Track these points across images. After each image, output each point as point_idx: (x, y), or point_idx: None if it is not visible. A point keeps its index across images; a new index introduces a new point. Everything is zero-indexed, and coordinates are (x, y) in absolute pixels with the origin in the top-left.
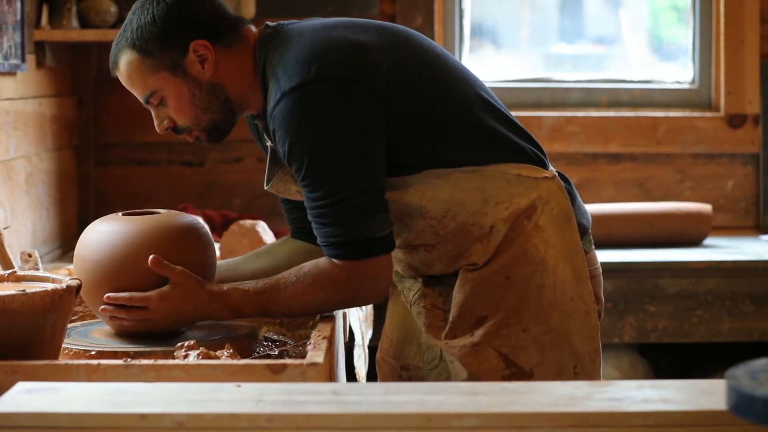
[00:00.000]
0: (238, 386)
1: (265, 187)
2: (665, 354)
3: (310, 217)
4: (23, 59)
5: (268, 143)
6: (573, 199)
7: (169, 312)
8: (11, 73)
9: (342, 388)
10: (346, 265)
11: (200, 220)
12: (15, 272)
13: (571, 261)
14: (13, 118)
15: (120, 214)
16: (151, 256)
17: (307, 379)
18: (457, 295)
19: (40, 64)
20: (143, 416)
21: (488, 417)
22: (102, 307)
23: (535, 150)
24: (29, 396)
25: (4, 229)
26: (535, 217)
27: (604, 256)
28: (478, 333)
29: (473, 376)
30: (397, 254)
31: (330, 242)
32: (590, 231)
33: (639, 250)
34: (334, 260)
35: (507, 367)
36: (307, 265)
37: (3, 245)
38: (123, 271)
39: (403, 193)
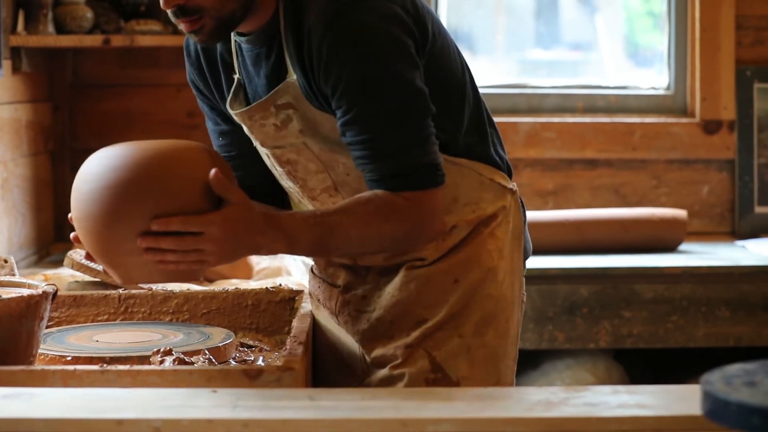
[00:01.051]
0: (214, 392)
1: (231, 112)
2: (640, 359)
3: (361, 152)
4: None
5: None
6: (524, 222)
7: (226, 239)
8: None
9: (318, 393)
10: (410, 196)
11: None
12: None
13: (512, 280)
14: None
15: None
16: (213, 170)
17: (283, 384)
18: (398, 294)
19: (15, 69)
20: (120, 422)
21: (464, 422)
22: (144, 237)
23: (507, 159)
24: (4, 402)
25: None
26: (494, 225)
27: (579, 261)
28: (414, 335)
29: (396, 378)
30: None
31: (390, 173)
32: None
33: (614, 255)
34: (396, 192)
35: (433, 371)
36: (366, 195)
37: None
38: (144, 197)
39: None
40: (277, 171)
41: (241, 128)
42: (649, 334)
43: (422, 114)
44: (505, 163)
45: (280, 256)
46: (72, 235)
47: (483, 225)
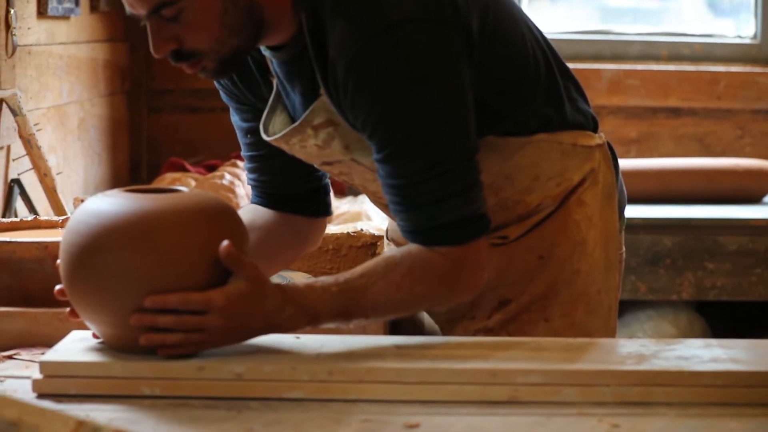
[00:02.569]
0: (298, 338)
1: (266, 137)
2: (722, 312)
3: (395, 198)
4: (77, 3)
5: (275, 81)
6: (616, 173)
7: (235, 319)
8: (65, 17)
9: (404, 341)
10: (447, 252)
11: (231, 206)
12: (68, 218)
13: (606, 246)
14: (66, 62)
15: (121, 190)
16: (224, 243)
17: (368, 331)
18: None
19: (93, 8)
20: (201, 367)
21: (554, 374)
22: (138, 315)
23: (591, 111)
24: (83, 345)
25: (57, 174)
26: (581, 190)
27: (662, 211)
28: (496, 317)
29: None
30: None
31: (428, 226)
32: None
33: (698, 206)
34: (432, 248)
35: None
36: (397, 255)
37: (55, 191)
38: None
39: None
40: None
41: None
42: (732, 287)
43: (464, 157)
44: (589, 117)
45: (360, 200)
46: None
47: (570, 192)
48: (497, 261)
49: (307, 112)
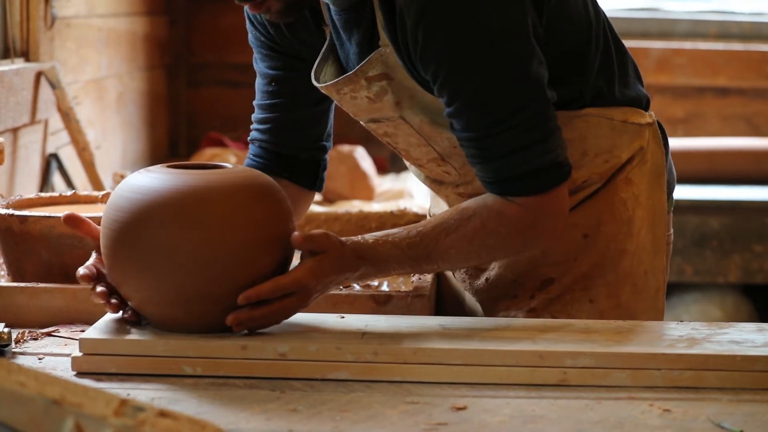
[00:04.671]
0: (342, 317)
1: (317, 84)
2: None
3: (470, 150)
4: None
5: (327, 30)
6: (666, 153)
7: (318, 290)
8: None
9: (450, 321)
10: (525, 202)
11: (275, 182)
12: (108, 194)
13: (653, 226)
14: (105, 35)
15: (164, 166)
16: (295, 234)
17: (413, 311)
18: None
19: None
20: (244, 346)
21: (603, 356)
22: (234, 315)
23: (643, 90)
24: (123, 322)
25: (95, 149)
26: (629, 168)
27: (710, 192)
28: (539, 297)
29: None
30: (456, 199)
31: (505, 176)
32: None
33: (746, 187)
34: (509, 198)
35: None
36: (471, 206)
37: (93, 166)
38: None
39: None
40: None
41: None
42: None
43: (539, 106)
44: (642, 96)
45: (403, 177)
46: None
47: (618, 171)
48: None
49: (363, 63)
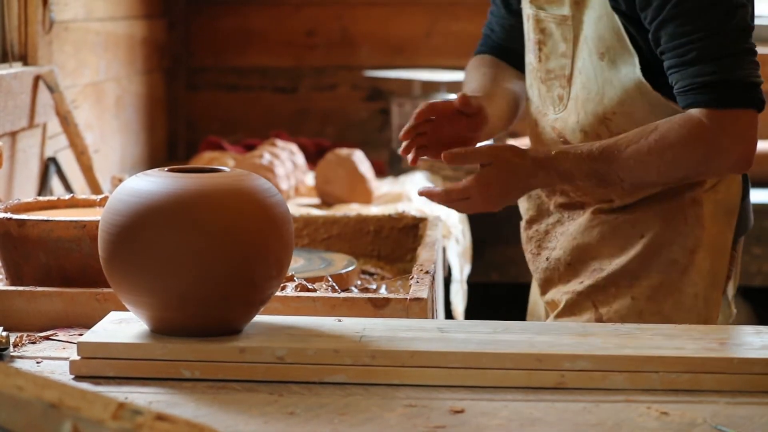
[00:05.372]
0: (340, 321)
1: None
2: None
3: (670, 62)
4: None
5: None
6: (744, 195)
7: (492, 195)
8: None
9: (448, 325)
10: (708, 115)
11: (272, 186)
12: (107, 197)
13: (713, 256)
14: (103, 39)
15: (162, 169)
16: (444, 153)
17: (411, 314)
18: (580, 237)
19: None
20: (242, 350)
21: (602, 359)
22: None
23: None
24: (122, 326)
25: (94, 152)
26: (700, 189)
27: None
28: (586, 283)
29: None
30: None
31: (694, 84)
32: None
33: None
34: (692, 111)
35: None
36: (657, 123)
37: (92, 169)
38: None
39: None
40: (529, 39)
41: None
42: None
43: (738, 26)
44: None
45: (401, 180)
46: None
47: (687, 187)
48: (600, 230)
49: None
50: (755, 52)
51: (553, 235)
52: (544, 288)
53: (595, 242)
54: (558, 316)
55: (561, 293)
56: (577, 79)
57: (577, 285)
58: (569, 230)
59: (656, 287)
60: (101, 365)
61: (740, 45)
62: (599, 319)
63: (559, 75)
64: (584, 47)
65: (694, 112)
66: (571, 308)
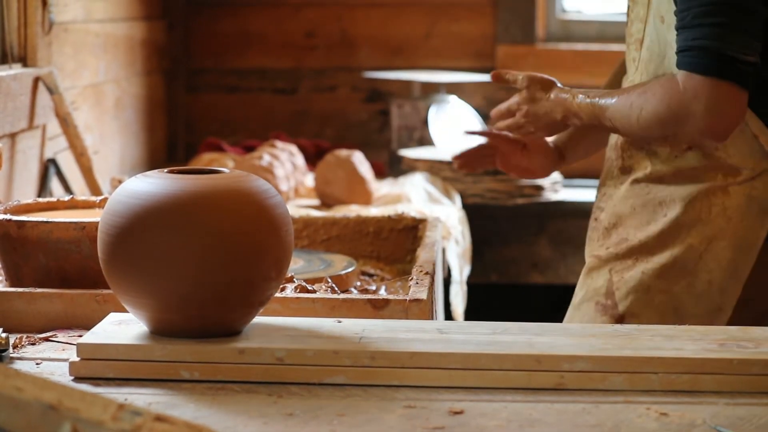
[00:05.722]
0: (339, 322)
1: None
2: None
3: (676, 22)
4: None
5: None
6: None
7: (529, 116)
8: None
9: (447, 326)
10: (685, 77)
11: (272, 187)
12: (106, 199)
13: (738, 250)
14: (103, 40)
15: (162, 171)
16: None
17: (410, 316)
18: (619, 205)
19: None
20: (242, 351)
21: (600, 360)
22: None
23: None
24: (121, 327)
25: (93, 154)
26: (732, 181)
27: None
28: (609, 251)
29: (577, 293)
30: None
31: (683, 47)
32: None
33: None
34: (677, 72)
35: (606, 296)
36: (648, 80)
37: (91, 171)
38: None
39: None
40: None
41: None
42: None
43: (744, 5)
44: None
45: (401, 182)
46: None
47: (721, 172)
48: (633, 201)
49: None
50: (756, 36)
51: (607, 197)
52: (586, 245)
53: (627, 213)
54: (582, 276)
55: (589, 255)
56: (646, 42)
57: (603, 250)
58: (614, 197)
59: (668, 267)
60: (101, 366)
61: (738, 22)
62: (610, 288)
63: (636, 38)
64: (652, 11)
65: (677, 73)
66: (591, 272)
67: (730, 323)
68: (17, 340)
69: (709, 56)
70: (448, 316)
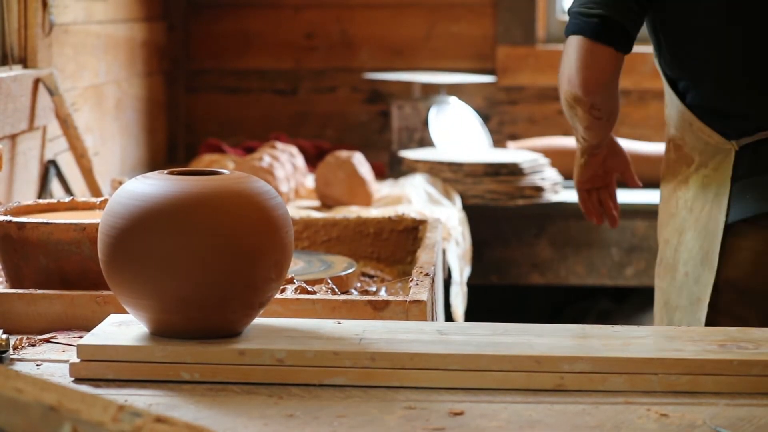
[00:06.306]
0: (339, 323)
1: None
2: None
3: None
4: None
5: None
6: (738, 177)
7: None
8: None
9: (447, 327)
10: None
11: (272, 188)
12: (106, 200)
13: (702, 238)
14: (103, 41)
15: (162, 172)
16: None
17: (411, 317)
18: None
19: None
20: (242, 352)
21: (600, 362)
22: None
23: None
24: (121, 329)
25: (93, 155)
26: (687, 171)
27: None
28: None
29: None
30: None
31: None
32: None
33: None
34: None
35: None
36: None
37: (92, 172)
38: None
39: None
40: None
41: None
42: None
43: None
44: (730, 125)
45: (401, 183)
46: None
47: (685, 163)
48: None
49: None
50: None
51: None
52: None
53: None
54: None
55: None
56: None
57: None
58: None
59: (657, 264)
60: (101, 368)
61: None
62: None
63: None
64: None
65: None
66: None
67: None
68: (17, 342)
69: (571, 17)
70: (449, 317)
